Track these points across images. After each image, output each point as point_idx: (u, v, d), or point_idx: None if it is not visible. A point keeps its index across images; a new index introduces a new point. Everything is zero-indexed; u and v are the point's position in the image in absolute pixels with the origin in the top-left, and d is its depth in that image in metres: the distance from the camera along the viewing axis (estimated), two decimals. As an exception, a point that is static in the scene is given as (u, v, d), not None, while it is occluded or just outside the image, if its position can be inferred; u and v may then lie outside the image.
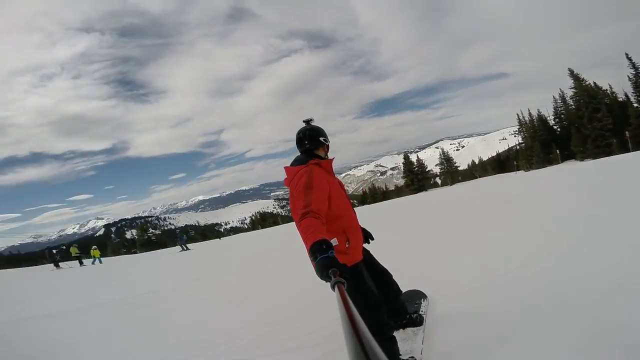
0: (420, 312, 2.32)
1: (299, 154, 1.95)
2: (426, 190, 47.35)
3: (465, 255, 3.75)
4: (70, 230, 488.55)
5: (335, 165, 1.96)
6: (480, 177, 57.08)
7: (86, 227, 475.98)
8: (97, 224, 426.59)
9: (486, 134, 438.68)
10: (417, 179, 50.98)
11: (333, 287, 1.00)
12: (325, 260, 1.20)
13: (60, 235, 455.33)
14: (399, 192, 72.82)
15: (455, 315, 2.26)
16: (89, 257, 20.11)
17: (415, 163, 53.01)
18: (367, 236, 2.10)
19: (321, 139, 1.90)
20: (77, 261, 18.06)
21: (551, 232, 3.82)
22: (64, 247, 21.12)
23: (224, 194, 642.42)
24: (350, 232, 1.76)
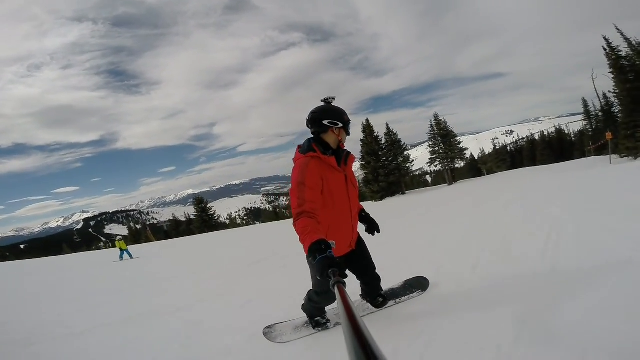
0: (392, 300, 2.25)
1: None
2: (403, 193, 28.72)
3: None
4: (54, 224, 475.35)
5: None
6: (488, 173, 38.54)
7: (71, 220, 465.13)
8: (81, 217, 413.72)
9: (478, 133, 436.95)
10: (384, 172, 28.56)
11: (333, 287, 1.02)
12: (324, 260, 1.23)
13: (44, 228, 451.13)
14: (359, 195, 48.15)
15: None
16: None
17: (385, 139, 30.01)
18: (374, 228, 2.06)
19: (326, 122, 1.71)
20: None
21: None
22: None
23: (214, 188, 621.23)
24: (332, 229, 1.72)
